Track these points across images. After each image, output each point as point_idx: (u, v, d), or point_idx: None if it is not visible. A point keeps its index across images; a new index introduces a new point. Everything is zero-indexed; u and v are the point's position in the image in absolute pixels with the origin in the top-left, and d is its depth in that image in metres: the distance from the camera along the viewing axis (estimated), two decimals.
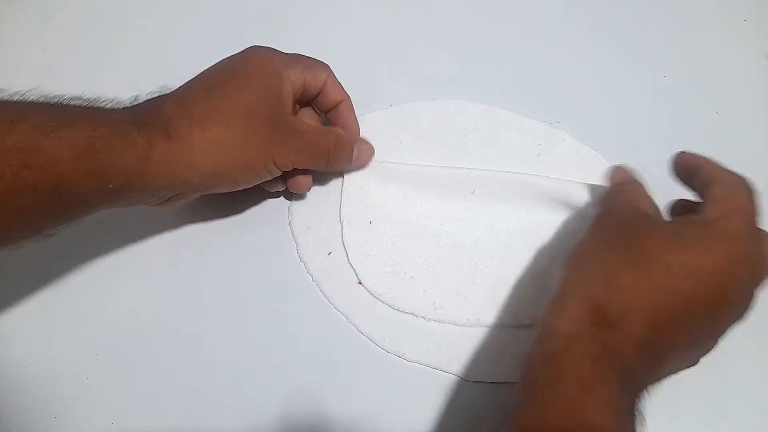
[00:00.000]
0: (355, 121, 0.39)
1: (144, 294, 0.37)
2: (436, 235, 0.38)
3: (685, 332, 0.27)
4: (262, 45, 0.36)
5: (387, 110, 0.43)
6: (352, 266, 0.38)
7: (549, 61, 0.46)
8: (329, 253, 0.38)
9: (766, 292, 0.28)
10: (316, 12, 0.49)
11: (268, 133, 0.34)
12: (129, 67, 0.47)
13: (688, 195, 0.32)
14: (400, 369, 0.35)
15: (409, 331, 0.36)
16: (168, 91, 0.34)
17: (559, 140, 0.42)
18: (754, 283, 0.28)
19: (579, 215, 0.38)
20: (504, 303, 0.36)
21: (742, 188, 0.29)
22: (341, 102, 0.38)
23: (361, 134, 0.40)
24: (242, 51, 0.36)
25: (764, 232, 0.29)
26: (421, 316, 0.36)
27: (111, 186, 0.30)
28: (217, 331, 0.36)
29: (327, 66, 0.38)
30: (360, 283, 0.37)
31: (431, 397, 0.34)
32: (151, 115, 0.31)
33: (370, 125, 0.42)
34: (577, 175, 0.40)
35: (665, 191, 0.39)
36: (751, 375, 0.35)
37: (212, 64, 0.35)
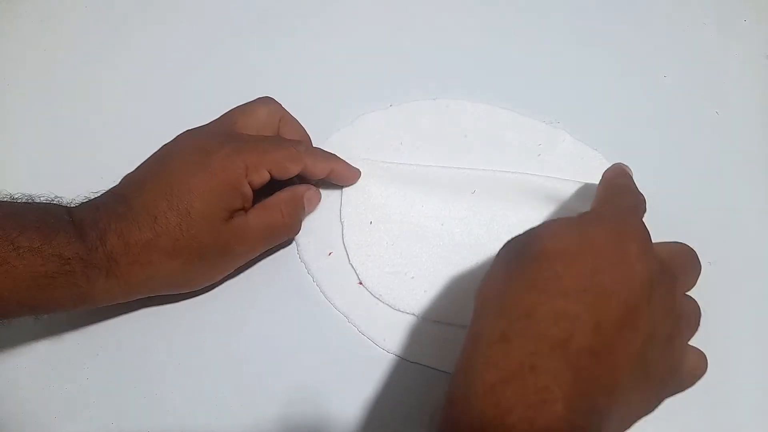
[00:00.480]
0: (352, 173, 0.39)
1: None
2: (437, 235, 0.38)
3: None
4: (228, 145, 0.33)
5: (387, 110, 0.43)
6: (352, 267, 0.38)
7: (549, 61, 0.46)
8: (330, 254, 0.38)
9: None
10: (317, 12, 0.49)
11: (214, 256, 0.34)
12: (128, 67, 0.47)
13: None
14: (400, 369, 0.35)
15: (410, 332, 0.36)
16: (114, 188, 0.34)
17: (559, 140, 0.42)
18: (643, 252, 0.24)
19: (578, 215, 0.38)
20: None
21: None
22: (329, 174, 0.37)
23: (361, 134, 0.40)
24: (198, 160, 0.33)
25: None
26: (422, 317, 0.36)
27: (46, 315, 0.32)
28: (218, 331, 0.36)
29: (301, 155, 0.35)
30: (361, 283, 0.37)
31: (432, 398, 0.34)
32: (96, 249, 0.30)
33: (370, 125, 0.42)
34: (577, 175, 0.40)
35: (665, 195, 0.39)
36: (751, 374, 0.35)
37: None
